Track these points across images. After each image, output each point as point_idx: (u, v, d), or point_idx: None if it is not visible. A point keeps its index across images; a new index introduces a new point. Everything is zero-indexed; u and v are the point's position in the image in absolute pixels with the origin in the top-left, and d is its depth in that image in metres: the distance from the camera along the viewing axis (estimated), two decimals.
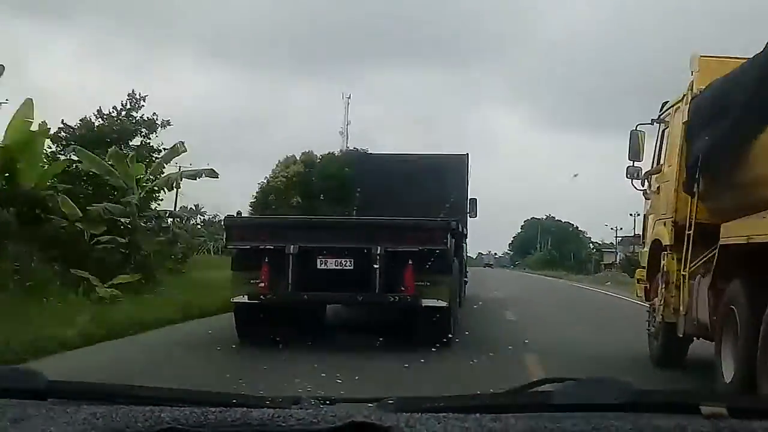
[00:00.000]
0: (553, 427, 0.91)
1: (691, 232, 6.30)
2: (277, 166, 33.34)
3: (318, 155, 33.97)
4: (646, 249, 8.06)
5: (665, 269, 6.90)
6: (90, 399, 1.10)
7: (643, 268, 8.22)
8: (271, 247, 8.02)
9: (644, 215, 8.73)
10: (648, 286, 7.89)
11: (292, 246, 7.90)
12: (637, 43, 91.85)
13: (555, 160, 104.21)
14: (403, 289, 8.03)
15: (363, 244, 8.02)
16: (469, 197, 12.81)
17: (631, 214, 58.49)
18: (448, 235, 8.23)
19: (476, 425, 0.90)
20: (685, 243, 6.44)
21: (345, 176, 27.97)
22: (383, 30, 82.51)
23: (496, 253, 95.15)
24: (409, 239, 8.08)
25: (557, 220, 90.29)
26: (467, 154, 12.04)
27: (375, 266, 7.88)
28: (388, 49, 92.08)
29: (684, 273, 6.45)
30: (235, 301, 8.24)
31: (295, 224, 8.12)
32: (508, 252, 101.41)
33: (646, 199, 8.49)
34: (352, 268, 8.06)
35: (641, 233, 9.03)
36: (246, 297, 7.97)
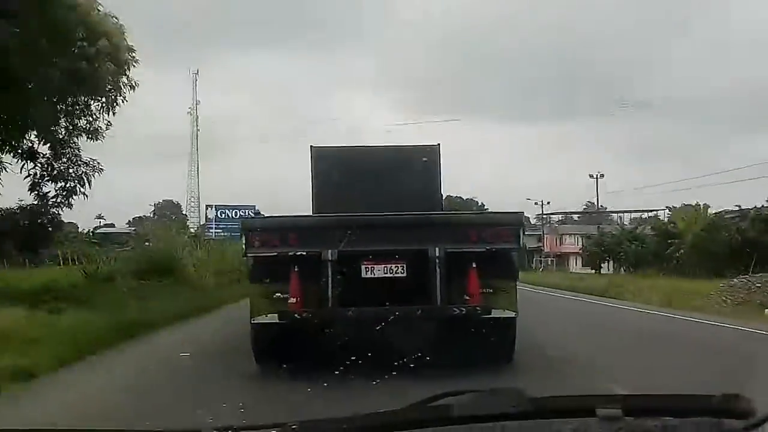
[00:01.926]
0: None
1: None
2: None
3: None
4: None
5: None
6: None
7: None
8: (303, 253, 6.60)
9: None
10: None
11: (330, 251, 6.46)
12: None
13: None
14: (467, 298, 6.64)
15: (418, 245, 6.61)
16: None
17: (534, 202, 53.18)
18: (521, 231, 6.77)
19: None
20: None
21: None
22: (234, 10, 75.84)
23: None
24: (474, 237, 6.68)
25: (458, 197, 67.66)
26: (438, 144, 10.18)
27: (434, 272, 6.49)
28: (240, 31, 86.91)
29: None
30: (257, 321, 6.75)
31: (333, 224, 6.68)
32: None
33: None
34: (404, 275, 6.64)
35: None
36: (276, 317, 6.56)
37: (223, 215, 45.24)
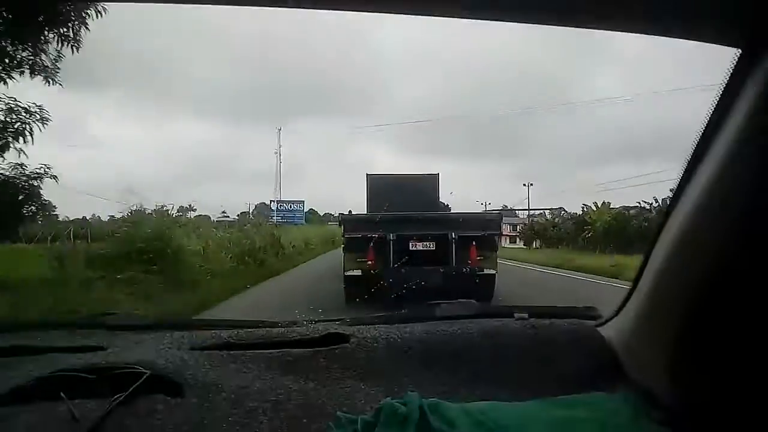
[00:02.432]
0: (438, 329, 1.49)
1: None
2: None
3: None
4: None
5: None
6: (178, 328, 1.58)
7: None
8: (376, 236, 10.63)
9: None
10: None
11: (391, 234, 10.61)
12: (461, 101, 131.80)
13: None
14: (469, 262, 10.87)
15: (441, 231, 10.79)
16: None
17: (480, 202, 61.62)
18: (501, 223, 11.34)
19: (395, 330, 1.48)
20: None
21: None
22: (299, 94, 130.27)
23: None
24: (473, 227, 10.98)
25: None
26: (438, 173, 15.57)
27: (451, 247, 10.71)
28: (303, 107, 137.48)
29: None
30: (348, 274, 10.71)
31: (393, 219, 11.02)
32: None
33: None
34: (434, 248, 10.81)
35: None
36: (359, 271, 10.59)
37: (282, 207, 62.37)
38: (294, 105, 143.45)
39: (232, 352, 1.41)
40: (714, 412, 1.09)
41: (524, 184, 69.05)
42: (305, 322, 1.63)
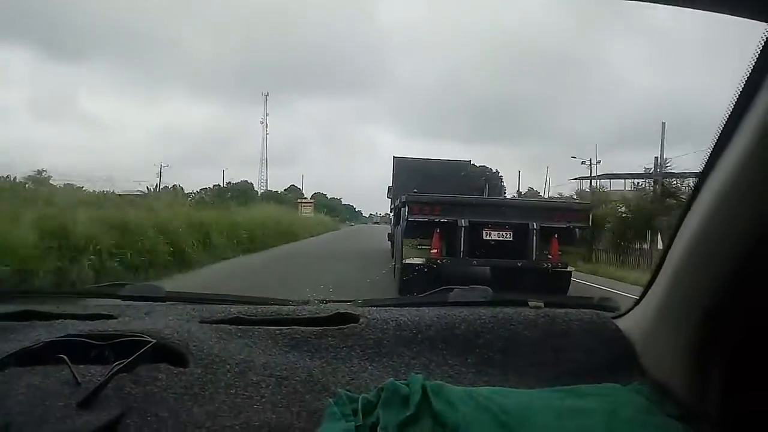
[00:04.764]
0: (449, 314, 1.55)
1: None
2: None
3: None
4: None
5: None
6: (190, 301, 1.77)
7: None
8: (445, 220, 10.48)
9: None
10: None
11: (463, 220, 10.40)
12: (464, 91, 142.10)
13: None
14: (550, 257, 10.56)
15: (521, 220, 10.51)
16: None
17: None
18: (590, 215, 11.05)
19: (406, 314, 1.56)
20: None
21: None
22: (300, 71, 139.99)
23: (387, 213, 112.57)
24: (557, 217, 10.71)
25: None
26: (470, 160, 16.08)
27: (532, 238, 10.44)
28: (302, 84, 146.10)
29: None
30: (406, 262, 10.55)
31: (466, 202, 10.89)
32: None
33: None
34: (511, 239, 10.56)
35: None
36: (422, 260, 10.34)
37: None
38: (290, 83, 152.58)
39: (240, 326, 1.48)
40: (728, 409, 1.12)
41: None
42: (316, 302, 1.74)
